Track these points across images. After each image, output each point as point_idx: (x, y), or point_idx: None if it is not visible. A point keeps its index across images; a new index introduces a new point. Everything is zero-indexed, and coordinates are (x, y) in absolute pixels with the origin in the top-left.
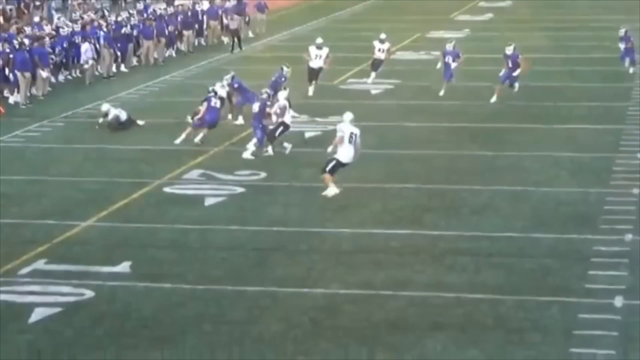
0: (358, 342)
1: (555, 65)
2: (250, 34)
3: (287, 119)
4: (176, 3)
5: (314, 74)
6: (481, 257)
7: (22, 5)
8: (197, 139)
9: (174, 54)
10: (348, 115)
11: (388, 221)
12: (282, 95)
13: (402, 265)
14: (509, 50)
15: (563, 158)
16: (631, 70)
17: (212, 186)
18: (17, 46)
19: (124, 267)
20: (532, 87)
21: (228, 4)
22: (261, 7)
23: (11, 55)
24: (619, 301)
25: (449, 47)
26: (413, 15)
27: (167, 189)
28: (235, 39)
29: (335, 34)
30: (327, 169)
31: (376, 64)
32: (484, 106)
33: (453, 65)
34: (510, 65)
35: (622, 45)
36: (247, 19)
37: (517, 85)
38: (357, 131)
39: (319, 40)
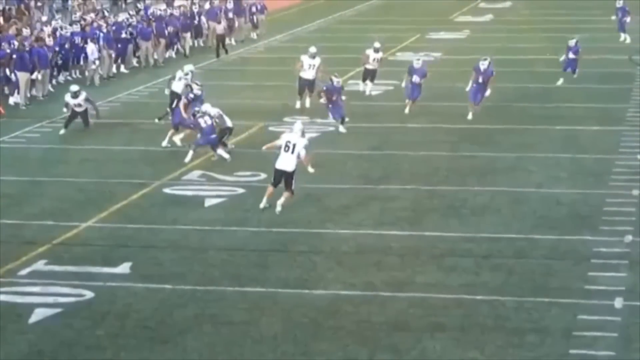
0: (358, 343)
1: (555, 66)
2: (255, 36)
3: (229, 122)
4: (176, 4)
5: (305, 85)
6: (481, 258)
7: (22, 6)
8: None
9: (174, 55)
10: (297, 125)
11: (388, 222)
12: (207, 105)
13: (403, 266)
14: (483, 65)
15: (563, 159)
16: (560, 81)
17: (212, 187)
18: (17, 47)
19: (124, 267)
20: (532, 87)
21: (229, 5)
22: (260, 8)
23: (14, 56)
24: (618, 302)
25: (416, 64)
26: (413, 17)
27: (167, 190)
28: (220, 44)
29: (335, 34)
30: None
31: (371, 74)
32: (483, 107)
33: (420, 81)
34: (480, 80)
35: (570, 55)
36: (254, 20)
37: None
38: (298, 141)
39: (313, 50)
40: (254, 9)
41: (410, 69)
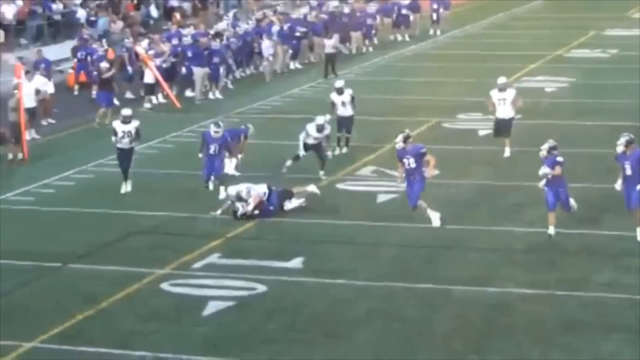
0: (531, 341)
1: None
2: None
3: None
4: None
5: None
6: None
7: (198, 1)
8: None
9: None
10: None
11: (564, 221)
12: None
13: (577, 265)
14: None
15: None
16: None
17: (384, 183)
18: (191, 42)
19: (296, 262)
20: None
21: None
22: (445, 5)
23: (189, 52)
24: None
25: (399, 145)
26: (587, 13)
27: (340, 185)
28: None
29: (507, 31)
30: None
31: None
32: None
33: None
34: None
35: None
36: (434, 17)
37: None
38: None
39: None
40: (435, 5)
41: (400, 152)
